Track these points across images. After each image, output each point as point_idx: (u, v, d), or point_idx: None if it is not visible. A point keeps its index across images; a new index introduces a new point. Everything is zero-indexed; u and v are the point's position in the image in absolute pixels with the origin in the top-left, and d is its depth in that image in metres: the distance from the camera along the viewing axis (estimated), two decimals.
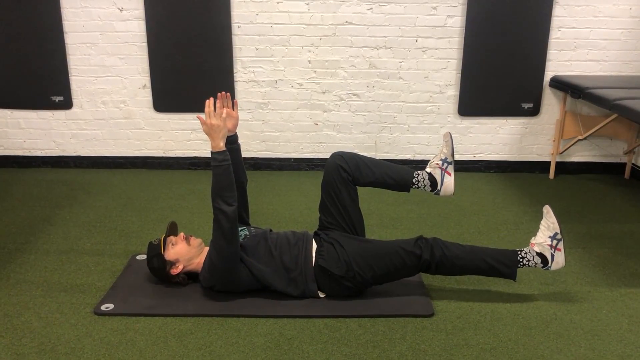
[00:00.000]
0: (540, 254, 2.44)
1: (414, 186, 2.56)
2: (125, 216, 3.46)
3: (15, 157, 4.40)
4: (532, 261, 2.44)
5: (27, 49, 4.09)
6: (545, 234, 2.45)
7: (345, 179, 2.52)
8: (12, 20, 4.02)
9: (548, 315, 2.42)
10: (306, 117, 4.29)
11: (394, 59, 4.16)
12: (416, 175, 2.56)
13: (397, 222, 3.41)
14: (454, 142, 2.66)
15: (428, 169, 2.58)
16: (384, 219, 3.44)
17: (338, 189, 2.53)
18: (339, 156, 2.56)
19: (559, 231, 2.42)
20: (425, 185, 2.54)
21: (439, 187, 2.54)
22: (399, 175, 2.56)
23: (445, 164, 2.55)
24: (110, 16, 4.06)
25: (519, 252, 2.46)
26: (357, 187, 2.58)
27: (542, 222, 2.49)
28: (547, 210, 2.48)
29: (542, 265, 2.45)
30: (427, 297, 2.52)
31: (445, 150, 2.58)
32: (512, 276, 2.45)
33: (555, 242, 2.43)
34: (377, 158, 2.71)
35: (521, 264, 2.45)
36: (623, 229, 3.35)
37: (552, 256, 2.43)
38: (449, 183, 2.55)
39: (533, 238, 2.50)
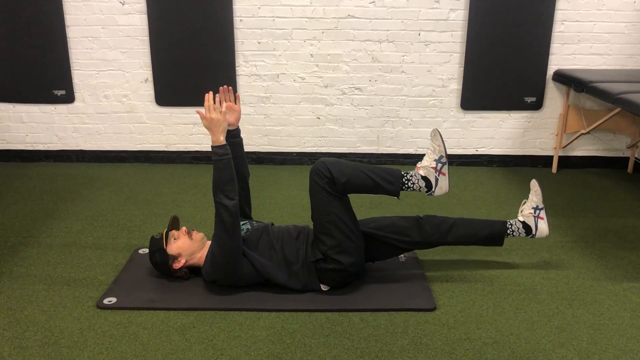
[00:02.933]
0: (425, 178, 2.41)
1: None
2: (128, 210, 3.47)
3: (18, 151, 4.41)
4: (417, 184, 2.41)
5: (29, 43, 4.08)
6: (431, 157, 2.43)
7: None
8: (14, 14, 4.02)
9: (550, 309, 2.42)
10: (308, 111, 4.29)
11: (396, 53, 4.14)
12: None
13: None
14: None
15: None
16: (385, 213, 3.44)
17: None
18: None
19: (444, 154, 2.40)
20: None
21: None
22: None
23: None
24: (112, 10, 4.05)
25: (405, 175, 2.42)
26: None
27: (429, 145, 2.47)
28: (435, 133, 2.44)
29: (426, 189, 2.42)
30: (429, 291, 2.52)
31: (535, 199, 2.63)
32: (395, 193, 2.41)
33: (440, 165, 2.41)
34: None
35: (406, 186, 2.42)
36: (626, 223, 3.34)
37: (437, 180, 2.41)
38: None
39: (419, 162, 2.47)
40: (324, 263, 2.41)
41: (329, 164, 2.36)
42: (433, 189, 2.42)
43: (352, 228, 2.42)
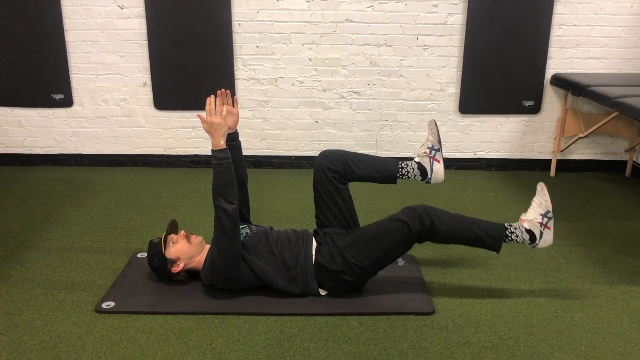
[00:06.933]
0: (529, 231, 2.42)
1: (402, 177, 2.58)
2: (126, 214, 3.46)
3: (16, 155, 4.40)
4: (520, 237, 2.41)
5: (28, 47, 4.09)
6: (537, 210, 2.43)
7: (331, 179, 2.53)
8: (12, 18, 4.02)
9: (549, 313, 2.42)
10: (307, 114, 4.29)
11: (394, 57, 4.15)
12: (405, 166, 2.58)
13: None
14: (439, 130, 2.66)
15: (416, 159, 2.60)
16: (383, 215, 3.43)
17: (327, 189, 2.55)
18: (324, 156, 2.57)
19: (550, 209, 2.40)
20: (415, 175, 2.58)
21: (429, 176, 2.58)
22: (384, 168, 2.59)
23: (433, 152, 2.58)
24: (110, 14, 4.06)
25: (508, 227, 2.43)
26: (349, 182, 2.59)
27: (535, 199, 2.47)
28: (542, 187, 2.45)
29: (529, 242, 2.42)
30: (428, 294, 2.52)
31: (431, 138, 2.60)
32: (496, 248, 2.42)
33: (546, 220, 2.40)
34: (367, 154, 2.71)
35: (509, 238, 2.42)
36: (624, 226, 3.35)
37: (541, 234, 2.41)
38: (438, 170, 2.59)
39: (523, 214, 2.47)
40: (340, 274, 2.41)
41: (434, 216, 2.34)
42: (537, 242, 2.42)
43: (391, 262, 2.47)
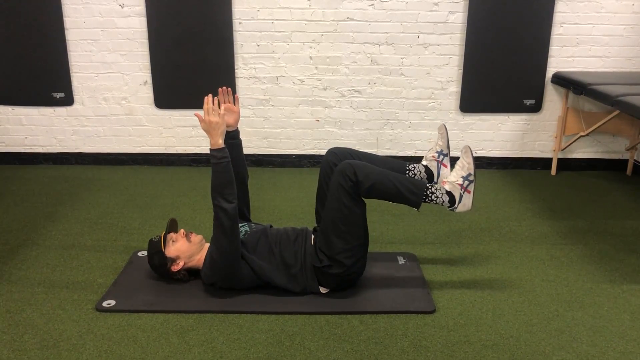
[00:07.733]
0: (449, 193, 2.39)
1: None
2: (127, 213, 3.46)
3: (17, 154, 4.40)
4: (440, 198, 2.39)
5: (28, 46, 4.08)
6: (459, 173, 2.42)
7: None
8: (13, 16, 4.02)
9: (549, 312, 2.42)
10: (307, 113, 4.29)
11: (395, 55, 4.15)
12: (412, 169, 2.58)
13: (398, 218, 3.41)
14: (449, 135, 2.67)
15: (424, 162, 2.62)
16: (385, 215, 3.44)
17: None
18: (332, 153, 2.58)
19: (472, 172, 2.39)
20: (421, 178, 2.58)
21: (435, 180, 2.58)
22: (391, 169, 2.58)
23: (441, 157, 2.59)
24: (111, 12, 4.06)
25: (429, 187, 2.40)
26: None
27: (458, 161, 2.45)
28: (466, 150, 2.43)
29: (449, 204, 2.40)
30: (429, 293, 2.52)
31: (440, 143, 2.61)
32: (416, 205, 2.38)
33: (467, 183, 2.39)
34: (374, 154, 2.71)
35: (429, 198, 2.39)
36: (625, 225, 3.35)
37: (461, 197, 2.39)
38: (445, 175, 2.59)
39: (445, 177, 2.46)
40: (329, 268, 2.40)
41: (356, 167, 2.32)
42: (456, 205, 2.40)
43: (365, 233, 2.43)
